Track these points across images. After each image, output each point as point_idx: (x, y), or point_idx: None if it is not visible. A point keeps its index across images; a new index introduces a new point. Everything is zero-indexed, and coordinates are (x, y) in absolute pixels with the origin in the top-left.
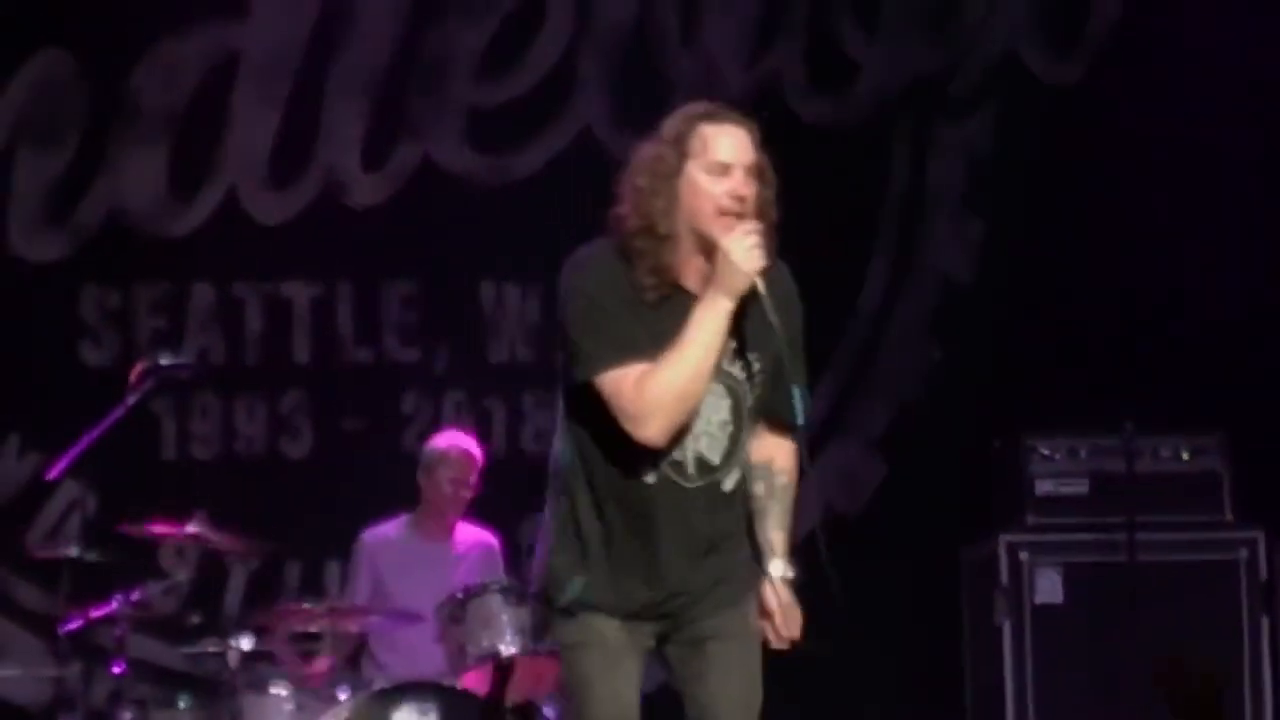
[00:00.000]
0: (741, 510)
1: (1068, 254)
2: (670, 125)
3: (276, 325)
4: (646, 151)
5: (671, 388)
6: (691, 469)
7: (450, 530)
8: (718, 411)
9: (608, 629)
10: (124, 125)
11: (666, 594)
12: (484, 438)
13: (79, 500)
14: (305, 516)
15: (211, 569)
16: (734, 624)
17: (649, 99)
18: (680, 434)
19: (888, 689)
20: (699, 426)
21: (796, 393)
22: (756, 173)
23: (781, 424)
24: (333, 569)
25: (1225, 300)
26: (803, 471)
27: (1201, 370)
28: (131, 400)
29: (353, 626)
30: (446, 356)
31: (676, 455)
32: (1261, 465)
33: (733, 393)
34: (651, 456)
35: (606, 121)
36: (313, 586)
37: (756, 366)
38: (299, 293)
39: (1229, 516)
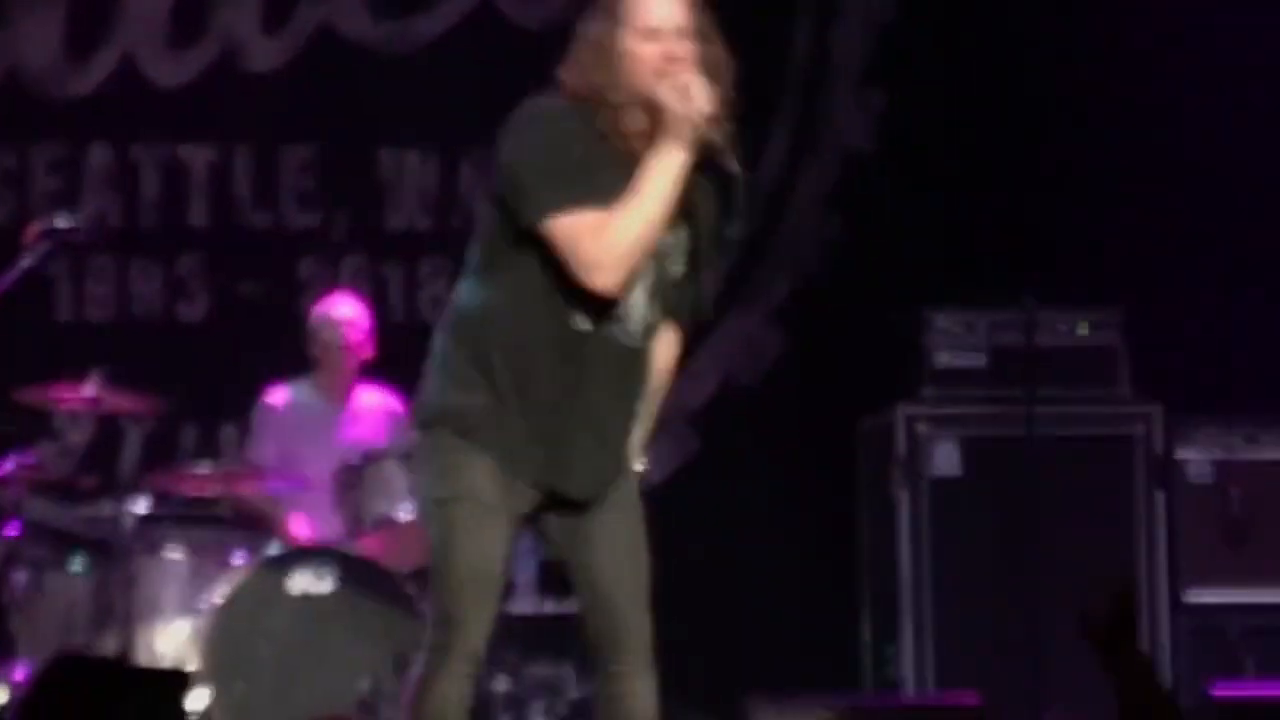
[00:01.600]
0: (644, 392)
1: (969, 126)
2: (604, 2)
3: (173, 188)
4: (586, 25)
5: (628, 236)
6: (636, 326)
7: (347, 393)
8: (646, 277)
9: (485, 484)
10: None
11: (583, 471)
12: (380, 304)
13: None
14: (201, 379)
15: (107, 431)
16: (619, 494)
17: None
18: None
19: (785, 560)
20: (640, 288)
21: (703, 286)
22: (692, 33)
23: (680, 321)
24: (229, 432)
25: (1126, 173)
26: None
27: (1101, 244)
28: (26, 262)
29: (249, 490)
30: (344, 222)
31: (620, 309)
32: (1159, 340)
33: (659, 263)
34: (594, 306)
35: None
36: (208, 449)
37: (683, 245)
38: (196, 156)
39: (1126, 391)
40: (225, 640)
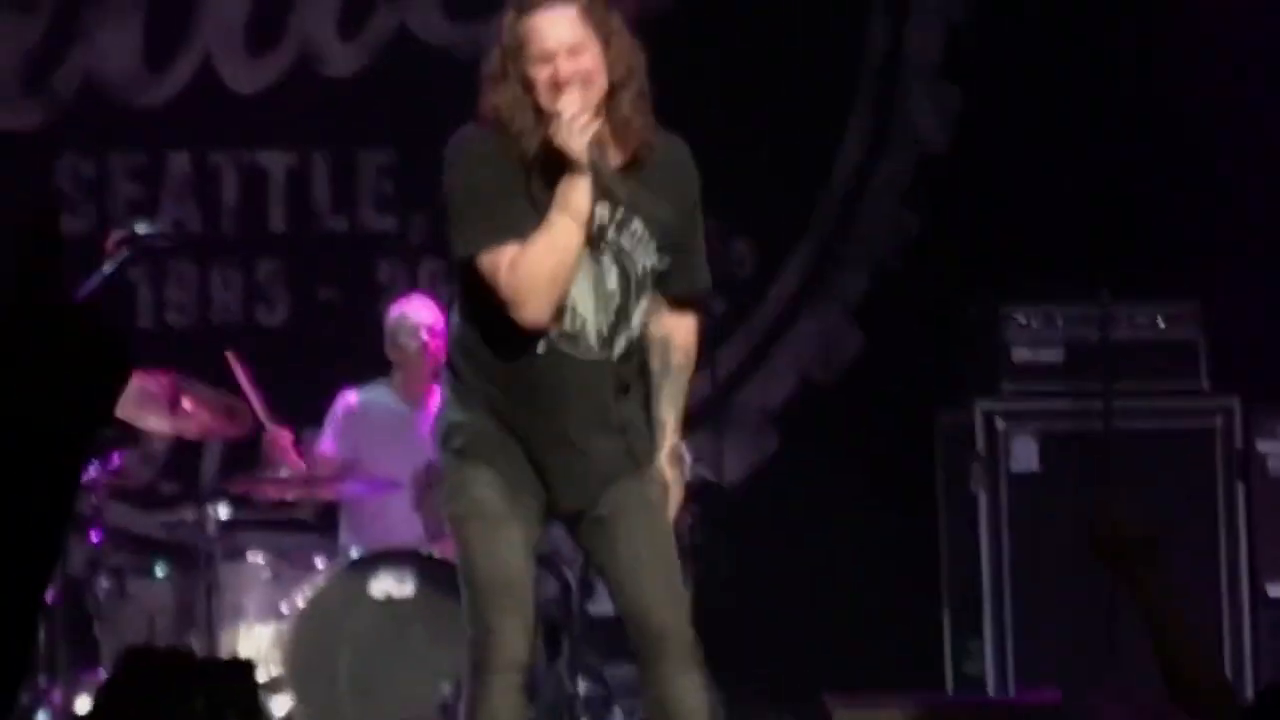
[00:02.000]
0: (640, 391)
1: (1045, 122)
2: (501, 28)
3: (252, 194)
4: (488, 54)
5: (541, 269)
6: (592, 341)
7: (425, 396)
8: (605, 283)
9: (489, 496)
10: None
11: (571, 481)
12: None
13: None
14: (281, 385)
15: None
16: (632, 496)
17: None
18: (567, 307)
19: (864, 557)
20: (594, 299)
21: (695, 264)
22: (589, 43)
23: (680, 299)
24: (310, 437)
25: (1203, 167)
26: (707, 344)
27: (1178, 238)
28: (107, 269)
29: (329, 495)
30: (422, 226)
31: (567, 326)
32: (1237, 333)
33: (619, 262)
34: (544, 329)
35: None
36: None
37: (647, 236)
38: (274, 162)
39: (1205, 384)
40: (307, 644)
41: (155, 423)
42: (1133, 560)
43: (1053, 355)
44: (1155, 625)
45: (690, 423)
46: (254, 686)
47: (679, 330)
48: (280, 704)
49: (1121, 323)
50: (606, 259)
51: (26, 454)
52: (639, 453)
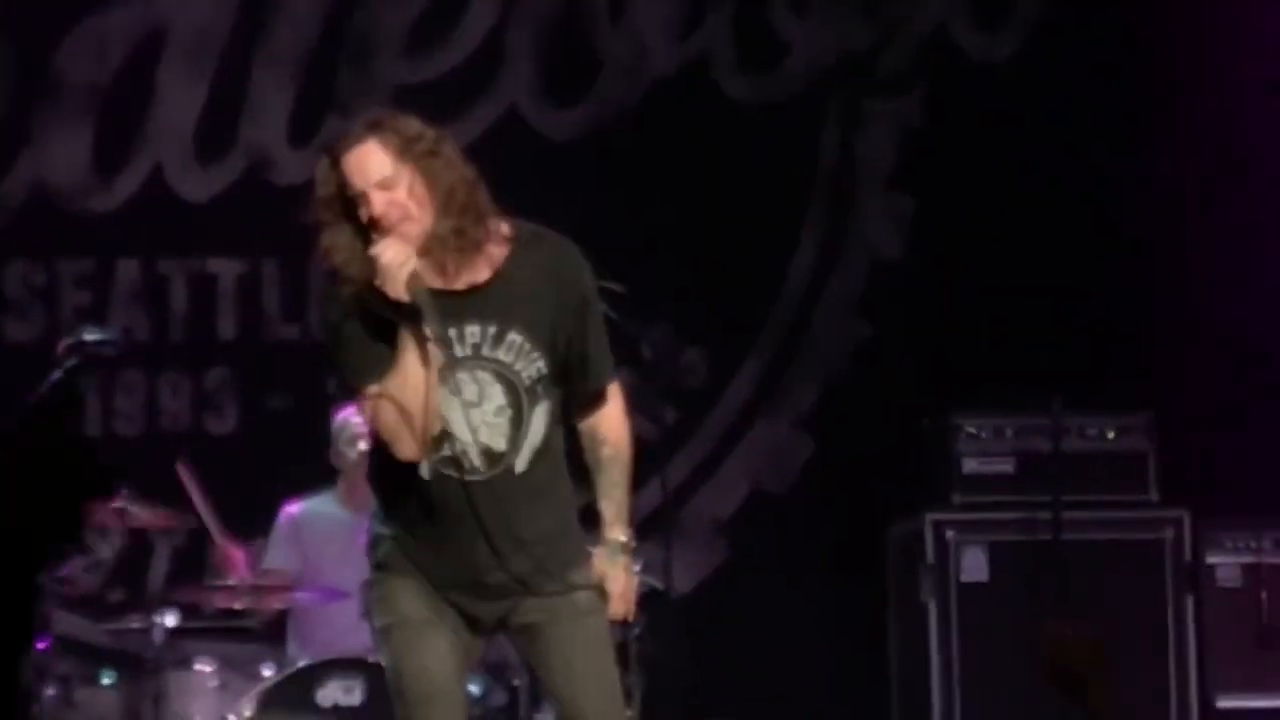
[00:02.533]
0: (557, 488)
1: (997, 232)
2: (316, 179)
3: (201, 302)
4: (308, 210)
5: (391, 418)
6: (476, 461)
7: (368, 502)
8: (492, 399)
9: (413, 606)
10: (49, 100)
11: (485, 597)
12: None
13: None
14: (230, 493)
15: (135, 545)
16: (561, 603)
17: (577, 77)
18: (445, 434)
19: (814, 666)
20: (475, 419)
21: (593, 360)
22: (393, 181)
23: (592, 394)
24: (258, 546)
25: (1152, 280)
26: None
27: (1128, 350)
28: (56, 376)
29: (277, 604)
30: None
31: (448, 451)
32: (1187, 446)
33: (503, 377)
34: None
35: (534, 99)
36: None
37: (527, 345)
38: (225, 269)
39: (1154, 496)
40: None
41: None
42: (1079, 675)
43: (1003, 466)
44: None
45: (640, 532)
46: None
47: (602, 423)
48: None
49: (1072, 434)
50: (486, 376)
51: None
52: (563, 560)
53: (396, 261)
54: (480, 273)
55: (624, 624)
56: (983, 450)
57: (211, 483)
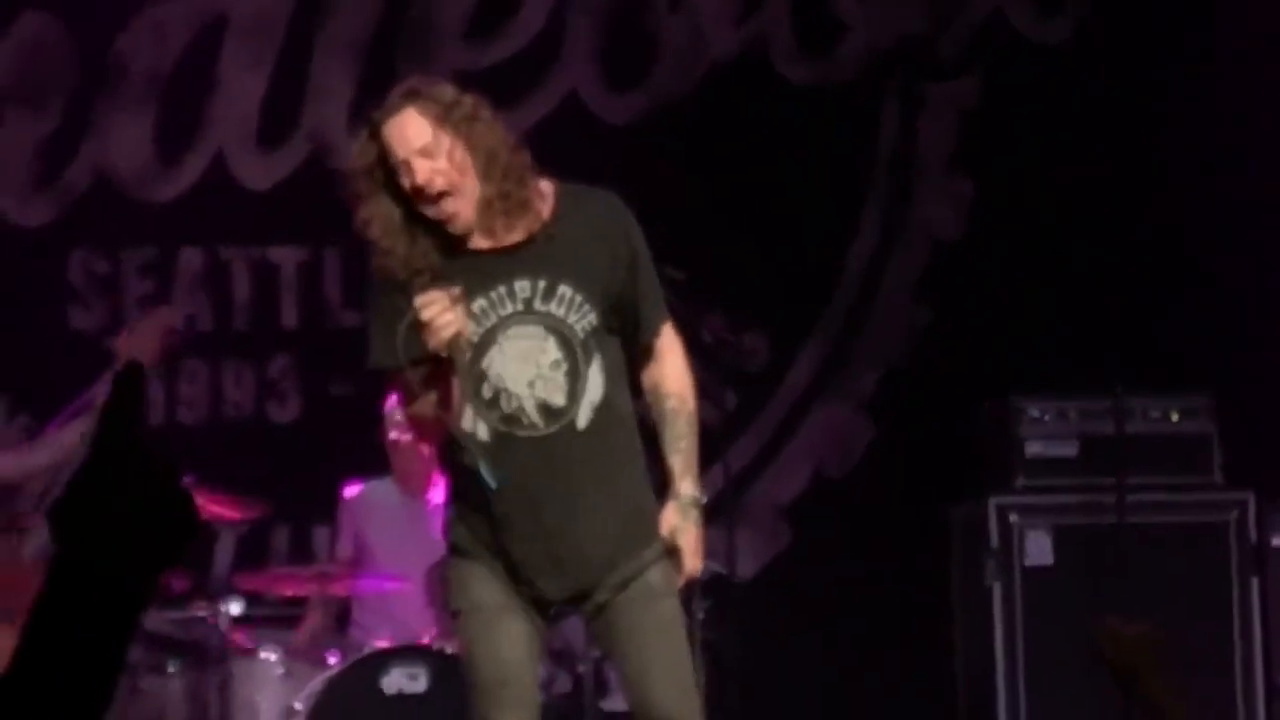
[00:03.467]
0: (627, 454)
1: (1056, 214)
2: (354, 151)
3: (264, 290)
4: (348, 180)
5: (424, 415)
6: (534, 417)
7: (426, 485)
8: (545, 353)
9: (487, 591)
10: (110, 88)
11: (558, 569)
12: None
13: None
14: (293, 480)
15: (200, 534)
16: (636, 583)
17: (636, 62)
18: (499, 390)
19: (878, 651)
20: (529, 374)
21: (646, 309)
22: (434, 148)
23: (648, 345)
24: (321, 533)
25: (1218, 260)
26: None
27: (1192, 331)
28: (120, 366)
29: (341, 590)
30: None
31: (505, 409)
32: (1251, 427)
33: (556, 330)
34: (480, 416)
35: (593, 85)
36: (301, 550)
37: (578, 298)
38: (287, 257)
39: (1218, 478)
40: None
41: None
42: (1136, 673)
43: (1066, 449)
44: None
45: (702, 518)
46: None
47: (664, 376)
48: None
49: (1135, 416)
50: (539, 331)
51: (92, 594)
52: (639, 530)
53: (440, 322)
54: (528, 229)
55: (695, 579)
56: (1046, 433)
57: (276, 470)
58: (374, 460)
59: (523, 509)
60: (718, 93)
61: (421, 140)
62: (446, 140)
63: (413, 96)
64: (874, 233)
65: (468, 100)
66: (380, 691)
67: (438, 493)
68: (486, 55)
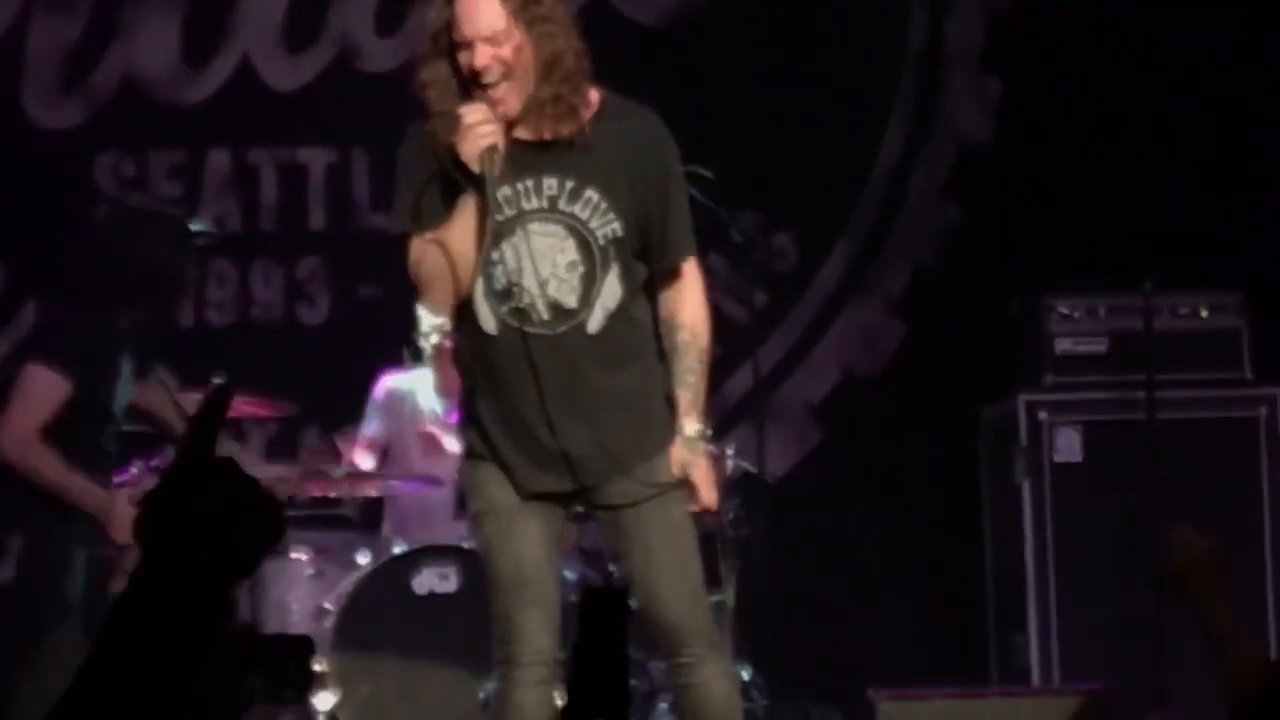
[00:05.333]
0: (639, 364)
1: (1085, 113)
2: (429, 13)
3: (292, 191)
4: (422, 39)
5: (431, 269)
6: (544, 314)
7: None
8: (563, 253)
9: (502, 492)
10: None
11: (561, 465)
12: None
13: None
14: (322, 382)
15: (230, 435)
16: (645, 487)
17: None
18: (513, 284)
19: (908, 550)
20: (544, 271)
21: (671, 233)
22: (503, 37)
23: (669, 269)
24: (348, 432)
25: (1245, 157)
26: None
27: (1221, 228)
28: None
29: (372, 491)
30: None
31: (516, 302)
32: None
33: (576, 232)
34: (487, 307)
35: None
36: (331, 452)
37: (604, 205)
38: (314, 159)
39: (1248, 374)
40: (351, 640)
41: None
42: (1200, 583)
43: (1096, 346)
44: (1221, 645)
45: (732, 416)
46: (310, 665)
47: (682, 306)
48: (324, 699)
49: (1164, 313)
50: (560, 230)
51: (173, 596)
52: (648, 436)
53: (479, 130)
54: (567, 131)
55: (713, 513)
56: (1075, 330)
57: (306, 371)
58: (400, 362)
59: (529, 403)
60: None
61: (492, 28)
62: (517, 34)
63: None
64: (902, 133)
65: (548, 1)
66: (411, 591)
67: None
68: None
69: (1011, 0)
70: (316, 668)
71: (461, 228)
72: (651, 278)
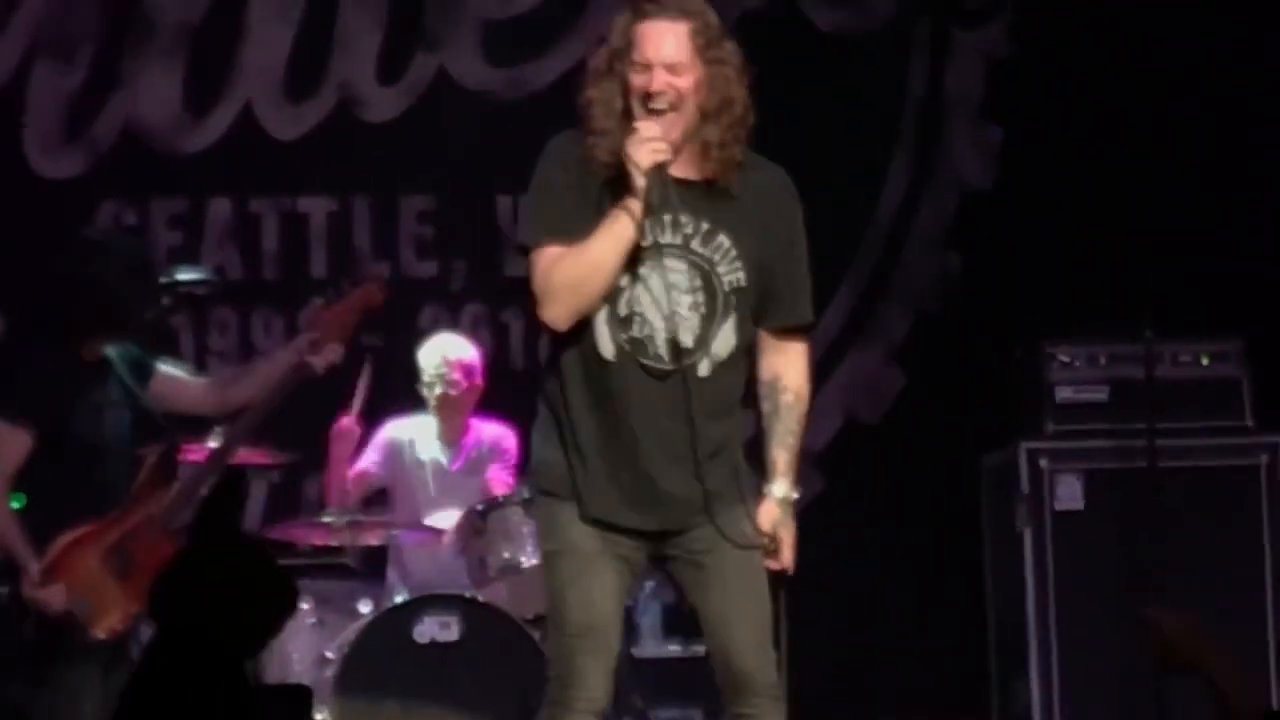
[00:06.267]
0: (734, 416)
1: (1086, 159)
2: (612, 26)
3: (293, 240)
4: (596, 53)
5: (569, 275)
6: (661, 349)
7: (461, 431)
8: (689, 293)
9: (581, 535)
10: (139, 39)
11: (653, 503)
12: (501, 351)
13: None
14: (323, 430)
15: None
16: (729, 539)
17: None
18: (635, 314)
19: (910, 597)
20: (667, 306)
21: (794, 295)
22: (689, 67)
23: (782, 332)
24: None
25: (1245, 205)
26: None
27: (1222, 275)
28: (149, 315)
29: (371, 539)
30: (464, 270)
31: (636, 332)
32: None
33: (704, 274)
34: (608, 331)
35: None
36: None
37: (734, 252)
38: (316, 207)
39: (1249, 422)
40: (352, 689)
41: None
42: (1188, 655)
43: (1097, 394)
44: (1222, 700)
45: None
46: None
47: (787, 370)
48: None
49: (1165, 361)
50: (689, 269)
51: (198, 660)
52: (736, 488)
53: (655, 145)
54: (723, 176)
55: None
56: (1076, 378)
57: (303, 419)
58: (402, 411)
59: (635, 434)
60: (748, 41)
61: (676, 57)
62: (697, 69)
63: (688, 15)
64: (903, 180)
65: (730, 47)
66: (413, 640)
67: (475, 436)
68: (514, 4)
69: (1010, 49)
70: (318, 717)
71: (608, 242)
72: (759, 337)
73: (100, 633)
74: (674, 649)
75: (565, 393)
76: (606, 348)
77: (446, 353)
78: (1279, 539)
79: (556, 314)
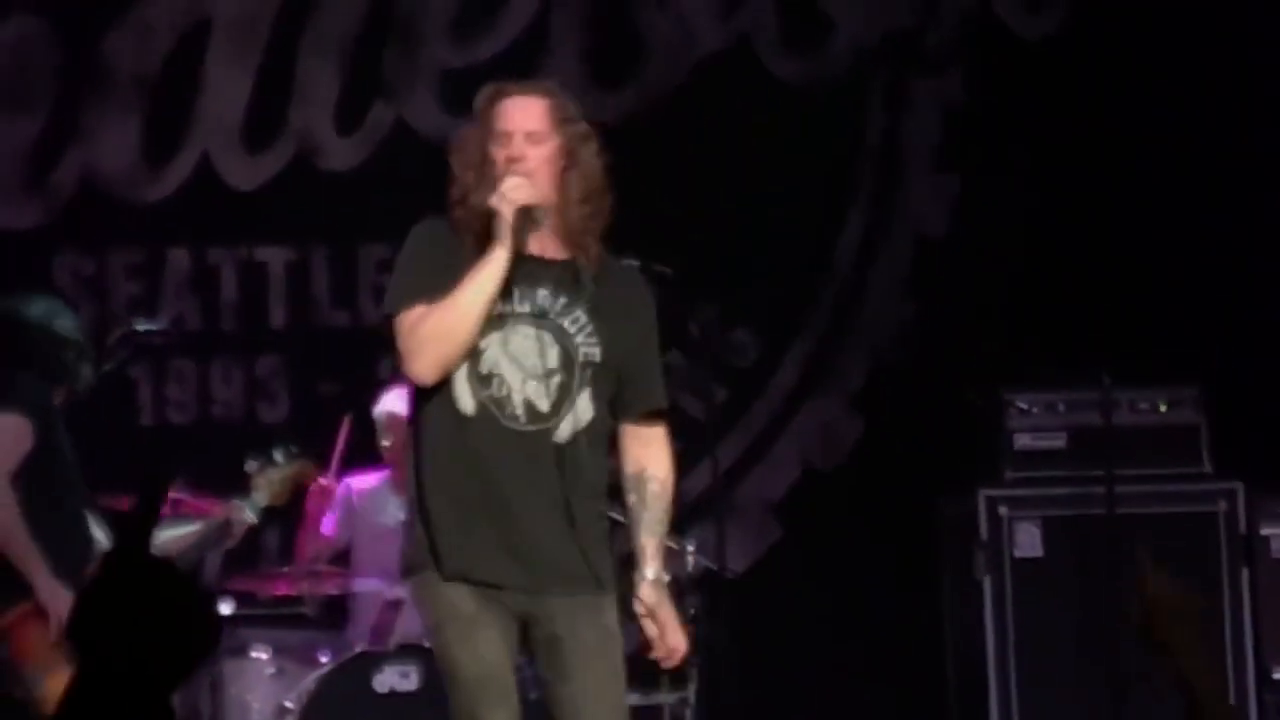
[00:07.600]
0: (597, 490)
1: (1043, 208)
2: (476, 103)
3: (252, 290)
4: (460, 131)
5: (437, 324)
6: (518, 410)
7: None
8: (546, 359)
9: (457, 597)
10: (96, 90)
11: (514, 554)
12: None
13: None
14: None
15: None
16: (591, 626)
17: (622, 59)
18: (493, 374)
19: (870, 645)
20: (527, 368)
21: (649, 385)
22: (547, 136)
23: (645, 416)
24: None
25: (1201, 251)
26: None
27: (1179, 322)
28: (107, 366)
29: (333, 589)
30: None
31: (496, 391)
32: (1240, 417)
33: (562, 345)
34: (468, 388)
35: (579, 82)
36: (292, 550)
37: (590, 328)
38: (274, 257)
39: (1208, 468)
40: None
41: None
42: (1167, 631)
43: (1055, 441)
44: (1190, 699)
45: (692, 513)
46: None
47: (651, 460)
48: None
49: (1123, 408)
50: (547, 336)
51: (120, 689)
52: (599, 569)
53: (523, 185)
54: (584, 254)
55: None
56: (1034, 425)
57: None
58: (362, 461)
59: (490, 485)
60: (704, 89)
61: (535, 125)
62: (555, 141)
63: (548, 91)
64: (861, 228)
65: (588, 128)
66: (372, 690)
67: None
68: (472, 54)
69: (967, 97)
70: None
71: (479, 282)
72: (618, 433)
73: (42, 709)
74: (634, 698)
75: (428, 449)
76: (467, 404)
77: (395, 408)
78: (1238, 584)
79: (423, 366)
